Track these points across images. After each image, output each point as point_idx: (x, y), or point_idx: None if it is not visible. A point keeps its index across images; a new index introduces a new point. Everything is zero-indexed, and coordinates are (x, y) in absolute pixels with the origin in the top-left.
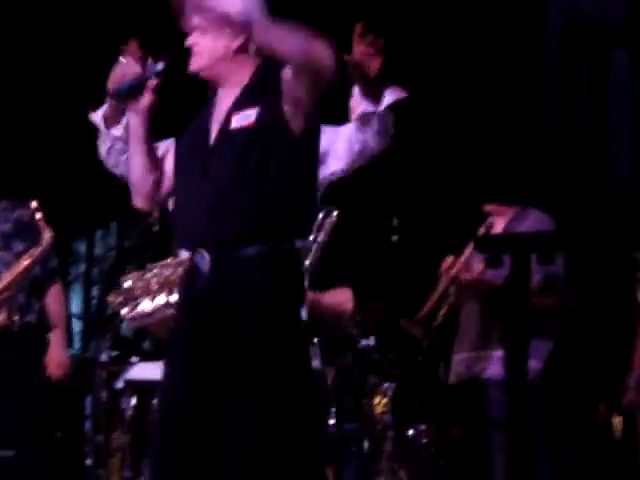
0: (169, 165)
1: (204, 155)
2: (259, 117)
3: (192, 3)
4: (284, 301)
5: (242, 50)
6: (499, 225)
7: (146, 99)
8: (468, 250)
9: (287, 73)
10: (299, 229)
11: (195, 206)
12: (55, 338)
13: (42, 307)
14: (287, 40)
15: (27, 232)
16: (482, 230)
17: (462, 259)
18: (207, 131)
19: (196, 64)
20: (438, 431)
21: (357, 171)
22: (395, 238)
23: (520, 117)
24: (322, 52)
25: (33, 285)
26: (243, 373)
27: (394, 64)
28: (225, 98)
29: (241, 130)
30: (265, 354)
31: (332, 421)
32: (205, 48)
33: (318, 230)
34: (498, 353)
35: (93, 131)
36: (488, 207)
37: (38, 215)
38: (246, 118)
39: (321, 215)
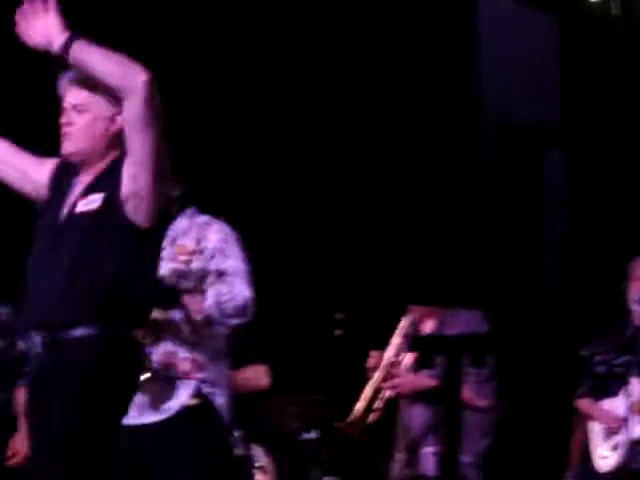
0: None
1: (52, 235)
2: (103, 203)
3: (74, 79)
4: (109, 387)
5: (114, 137)
6: (428, 326)
7: None
8: (393, 345)
9: (127, 167)
10: (132, 317)
11: (37, 286)
12: None
13: None
14: (106, 60)
15: None
16: (405, 329)
17: (388, 354)
18: (59, 211)
19: (69, 148)
20: None
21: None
22: (339, 332)
23: (454, 220)
24: (138, 74)
25: None
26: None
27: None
28: (81, 181)
29: (85, 214)
30: (75, 441)
31: None
32: (80, 130)
33: None
34: (430, 450)
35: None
36: (415, 309)
37: None
38: (91, 203)
39: None
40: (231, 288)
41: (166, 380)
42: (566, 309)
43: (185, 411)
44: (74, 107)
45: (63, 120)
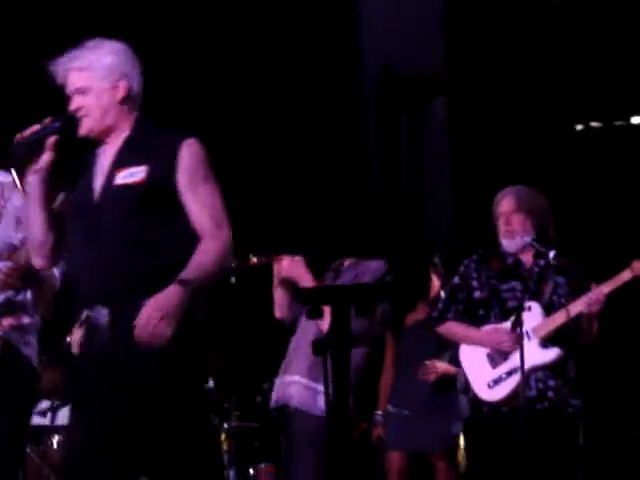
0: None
1: (90, 212)
2: (149, 176)
3: (66, 66)
4: (182, 343)
5: (125, 101)
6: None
7: (45, 156)
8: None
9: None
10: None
11: (87, 263)
12: None
13: None
14: (209, 276)
15: None
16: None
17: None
18: (92, 186)
19: (85, 127)
20: (278, 470)
21: None
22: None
23: (339, 171)
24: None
25: None
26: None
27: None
28: (107, 151)
29: (127, 187)
30: (170, 391)
31: None
32: (91, 108)
33: None
34: (317, 387)
35: None
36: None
37: None
38: (133, 175)
39: None
40: None
41: None
42: (454, 263)
43: None
44: (77, 91)
45: (72, 107)
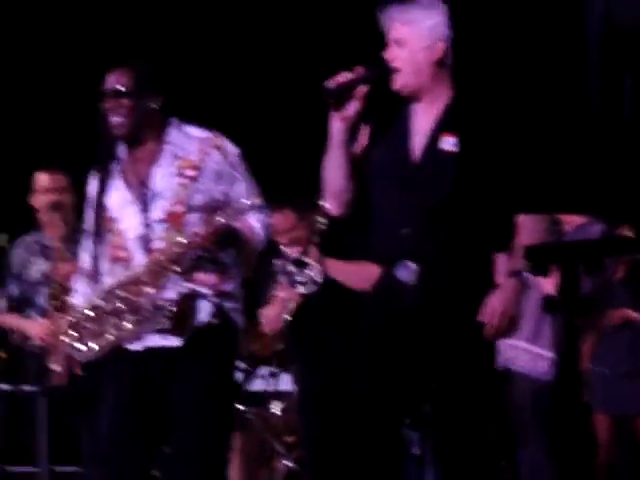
0: None
1: (407, 171)
2: (461, 149)
3: (392, 16)
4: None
5: (441, 64)
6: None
7: (354, 105)
8: None
9: None
10: (494, 244)
11: (398, 221)
12: None
13: None
14: None
15: None
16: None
17: None
18: (407, 146)
19: (399, 81)
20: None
21: None
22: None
23: (563, 131)
24: None
25: None
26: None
27: None
28: (423, 112)
29: (453, 153)
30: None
31: None
32: (405, 62)
33: None
34: (547, 354)
35: None
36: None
37: None
38: (452, 144)
39: None
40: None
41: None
42: None
43: (205, 331)
44: (395, 42)
45: (387, 56)
